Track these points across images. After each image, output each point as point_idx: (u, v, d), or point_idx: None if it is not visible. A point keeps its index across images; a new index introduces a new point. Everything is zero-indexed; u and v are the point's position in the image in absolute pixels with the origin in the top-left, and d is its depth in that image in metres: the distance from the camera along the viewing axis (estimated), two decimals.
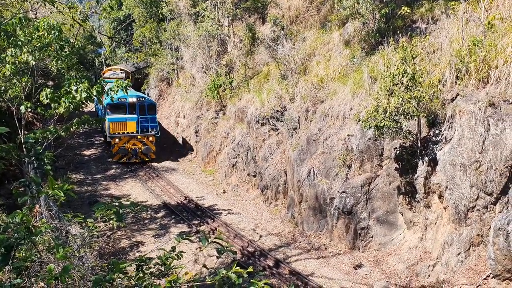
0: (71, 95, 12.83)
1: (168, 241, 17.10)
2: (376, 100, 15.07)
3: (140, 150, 27.87)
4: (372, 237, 16.53)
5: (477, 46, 14.29)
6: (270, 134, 22.29)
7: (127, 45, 46.98)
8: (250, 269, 4.18)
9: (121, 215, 4.33)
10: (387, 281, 14.39)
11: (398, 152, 16.07)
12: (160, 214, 20.27)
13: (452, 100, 14.65)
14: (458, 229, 13.62)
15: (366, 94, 17.84)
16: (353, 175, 17.28)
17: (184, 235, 5.13)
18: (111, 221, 4.30)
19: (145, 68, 42.13)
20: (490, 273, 12.63)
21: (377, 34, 19.49)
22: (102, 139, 34.83)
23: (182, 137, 32.05)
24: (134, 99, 27.83)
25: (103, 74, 38.83)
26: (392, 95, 14.36)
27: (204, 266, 4.80)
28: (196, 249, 16.36)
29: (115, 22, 46.53)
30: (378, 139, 16.46)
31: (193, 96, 29.93)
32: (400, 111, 14.24)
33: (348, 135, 17.67)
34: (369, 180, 16.88)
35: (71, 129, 15.04)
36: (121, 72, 38.22)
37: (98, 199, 21.55)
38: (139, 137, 27.91)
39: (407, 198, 15.74)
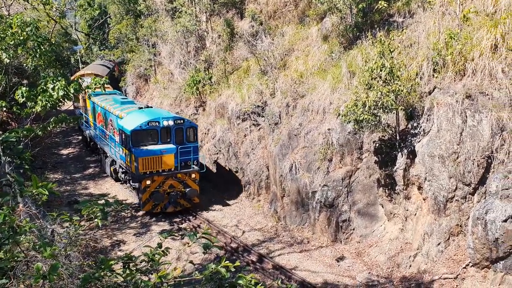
0: (48, 93, 12.60)
1: (150, 239, 16.97)
2: (355, 95, 15.21)
3: (180, 194, 19.60)
4: (353, 229, 16.71)
5: (454, 39, 14.54)
6: (252, 129, 22.30)
7: (103, 42, 46.29)
8: (238, 263, 4.18)
9: (105, 213, 4.29)
10: (369, 273, 14.59)
11: (377, 145, 16.26)
12: (140, 213, 20.08)
13: (430, 93, 14.88)
14: (438, 220, 13.87)
15: (345, 89, 17.99)
16: (334, 168, 17.42)
17: (169, 232, 5.10)
18: (96, 220, 4.26)
19: (121, 64, 41.58)
20: (470, 262, 12.92)
21: (355, 29, 19.63)
22: (80, 137, 34.17)
23: None
24: (170, 122, 19.51)
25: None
26: (371, 89, 14.52)
27: (191, 262, 4.77)
28: (184, 245, 16.32)
29: (91, 20, 45.80)
30: (357, 133, 16.62)
31: (172, 92, 29.67)
32: (378, 104, 14.40)
33: (329, 129, 17.80)
34: (349, 173, 17.05)
35: (48, 128, 14.77)
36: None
37: (77, 199, 21.24)
38: (178, 175, 19.65)
39: (387, 190, 15.95)
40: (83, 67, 45.64)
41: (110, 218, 19.29)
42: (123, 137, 19.82)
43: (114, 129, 22.07)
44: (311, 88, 19.80)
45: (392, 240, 15.40)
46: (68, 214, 4.62)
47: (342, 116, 15.30)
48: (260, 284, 3.92)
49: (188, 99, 27.58)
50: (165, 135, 19.63)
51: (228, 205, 21.53)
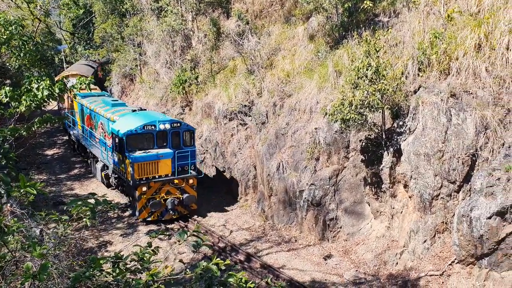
0: (32, 93, 12.44)
1: (137, 240, 16.88)
2: (341, 94, 15.30)
3: (178, 201, 18.83)
4: (340, 227, 16.81)
5: (438, 38, 14.71)
6: (239, 129, 22.29)
7: (88, 41, 45.83)
8: (228, 261, 4.18)
9: (95, 212, 4.25)
10: (356, 270, 14.69)
11: (363, 144, 16.38)
12: (127, 213, 19.96)
13: (415, 92, 15.03)
14: (424, 217, 14.02)
15: (332, 88, 18.08)
16: (321, 167, 17.49)
17: (158, 232, 5.08)
18: (85, 219, 4.22)
19: (106, 64, 41.21)
20: (455, 259, 13.09)
21: (341, 28, 19.75)
22: (66, 137, 33.77)
23: None
24: (167, 125, 18.63)
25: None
26: (357, 88, 14.61)
27: (180, 261, 4.75)
28: (172, 245, 16.26)
29: (76, 19, 45.30)
30: (344, 132, 16.72)
31: (158, 92, 29.52)
32: (365, 103, 14.51)
33: (316, 129, 17.87)
34: (336, 172, 17.14)
35: (33, 129, 14.59)
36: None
37: (63, 200, 21.02)
38: (175, 181, 18.85)
39: (373, 189, 16.08)
40: (67, 67, 45.15)
41: (96, 219, 19.13)
42: (117, 141, 18.84)
43: (105, 132, 21.32)
44: (298, 87, 19.86)
45: (378, 238, 15.53)
46: (57, 214, 4.57)
47: (329, 116, 15.37)
48: (250, 282, 3.93)
49: (174, 98, 27.47)
50: (161, 139, 18.78)
51: (225, 209, 21.49)
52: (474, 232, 12.04)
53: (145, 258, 4.12)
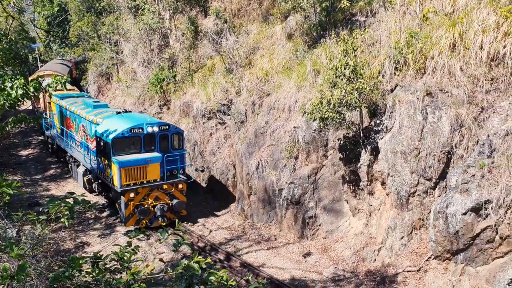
0: (6, 92, 12.16)
1: (115, 240, 16.69)
2: (320, 93, 15.41)
3: (167, 207, 18.00)
4: (319, 225, 16.93)
5: (414, 38, 14.94)
6: (217, 128, 22.24)
7: (64, 40, 45.03)
8: (209, 259, 4.17)
9: (73, 212, 4.19)
10: (335, 267, 14.82)
11: (342, 142, 16.52)
12: (105, 214, 19.71)
13: (392, 90, 15.24)
14: (401, 214, 14.23)
15: (310, 87, 18.19)
16: (300, 166, 17.59)
17: (138, 231, 5.03)
18: (63, 219, 4.15)
19: (82, 63, 40.58)
20: (432, 255, 13.33)
21: (319, 28, 19.88)
22: (41, 137, 33.10)
23: None
24: (155, 128, 17.85)
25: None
26: (335, 87, 14.74)
27: (161, 260, 4.72)
28: (151, 245, 16.12)
29: (51, 17, 44.46)
30: (322, 131, 16.84)
31: (135, 91, 29.21)
32: (343, 102, 14.64)
33: (294, 127, 17.95)
34: (315, 170, 17.25)
35: (7, 129, 14.29)
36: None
37: (38, 201, 20.62)
38: (164, 186, 18.03)
39: (351, 186, 16.24)
40: (42, 66, 44.29)
41: (74, 219, 18.85)
42: (102, 145, 18.04)
43: (87, 135, 20.68)
44: (277, 86, 19.92)
45: (357, 235, 15.70)
46: (34, 214, 4.48)
47: (307, 114, 15.46)
48: (231, 280, 3.93)
49: (152, 97, 27.23)
50: (149, 143, 17.92)
51: (216, 214, 21.39)
52: (450, 228, 12.28)
53: (125, 258, 4.09)
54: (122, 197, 17.35)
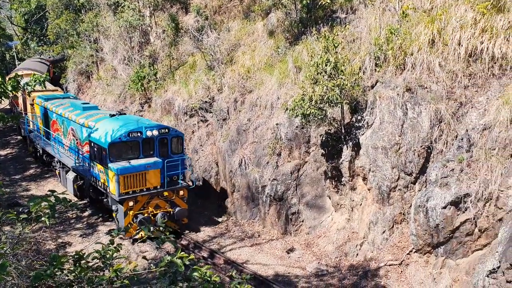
0: None
1: (97, 239, 16.50)
2: (301, 89, 15.48)
3: (168, 215, 16.92)
4: (302, 221, 17.03)
5: (394, 34, 15.10)
6: (200, 125, 22.16)
7: (42, 37, 44.28)
8: (192, 256, 4.17)
9: (54, 210, 4.14)
10: (318, 263, 14.94)
11: (324, 138, 16.63)
12: (86, 213, 19.49)
13: (372, 86, 15.39)
14: (382, 209, 14.41)
15: (292, 84, 18.25)
16: (283, 162, 17.65)
17: (120, 229, 4.99)
18: (44, 218, 4.09)
19: (60, 61, 39.95)
20: (413, 248, 13.53)
21: (300, 24, 19.95)
22: (19, 137, 32.51)
23: None
24: (155, 132, 16.79)
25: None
26: (317, 83, 14.81)
27: (144, 257, 4.70)
28: (133, 243, 16.00)
29: (28, 14, 43.67)
30: (305, 127, 16.93)
31: (116, 89, 28.89)
32: (324, 99, 14.73)
33: (277, 124, 18.00)
34: (298, 167, 17.33)
35: None
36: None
37: (18, 201, 20.29)
38: (165, 193, 16.99)
39: (333, 182, 16.36)
40: (19, 63, 43.50)
41: (55, 218, 18.60)
42: (96, 150, 16.89)
43: (77, 139, 19.74)
44: (259, 83, 19.93)
45: (339, 230, 15.84)
46: (15, 213, 4.41)
47: (289, 111, 15.51)
48: (215, 276, 3.94)
49: (133, 95, 26.98)
50: (147, 147, 16.81)
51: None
52: (430, 221, 12.48)
53: (107, 256, 4.06)
54: (120, 205, 16.27)
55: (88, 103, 22.92)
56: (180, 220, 17.28)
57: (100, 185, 17.27)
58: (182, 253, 4.08)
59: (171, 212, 17.01)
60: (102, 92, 31.25)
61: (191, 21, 25.33)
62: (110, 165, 16.07)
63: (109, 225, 18.41)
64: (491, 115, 12.30)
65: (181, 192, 17.37)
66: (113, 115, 18.53)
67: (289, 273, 14.65)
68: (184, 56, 25.45)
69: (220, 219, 19.49)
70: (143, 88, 25.29)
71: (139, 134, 16.53)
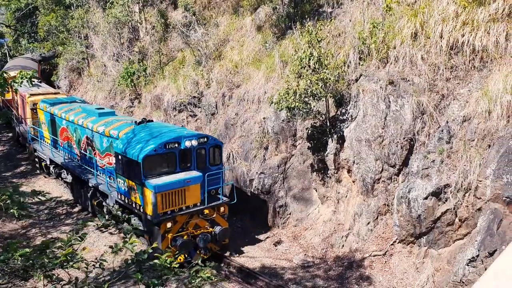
0: None
1: (86, 236, 16.62)
2: (286, 83, 15.63)
3: (210, 236, 14.79)
4: (290, 214, 17.22)
5: (377, 28, 15.25)
6: (189, 120, 22.28)
7: (32, 34, 44.13)
8: (155, 244, 4.32)
9: (21, 203, 4.27)
10: (305, 254, 15.15)
11: (309, 131, 16.80)
12: (76, 209, 19.61)
13: (356, 80, 15.56)
14: (367, 200, 14.62)
15: (279, 78, 18.40)
16: (270, 156, 17.82)
17: (87, 220, 5.15)
18: (13, 210, 4.23)
19: (51, 58, 39.86)
20: (396, 239, 13.76)
21: (287, 19, 20.07)
22: (10, 134, 32.43)
23: None
24: (194, 142, 14.81)
25: None
26: (301, 77, 14.96)
27: (111, 247, 4.83)
28: (123, 239, 16.15)
29: (18, 12, 43.48)
30: (291, 121, 17.10)
31: (106, 85, 28.94)
32: (309, 92, 14.89)
33: (264, 118, 18.16)
34: (284, 160, 17.51)
35: None
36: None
37: None
38: (205, 211, 14.92)
39: (320, 175, 16.55)
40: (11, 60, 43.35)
41: (44, 216, 18.72)
42: (125, 164, 14.78)
43: (94, 150, 17.79)
44: (246, 78, 20.07)
45: (325, 222, 16.04)
46: None
47: (274, 104, 15.67)
48: (175, 262, 4.10)
49: (122, 91, 27.06)
50: (184, 159, 14.81)
51: None
52: (412, 212, 12.70)
53: (72, 245, 4.21)
54: (156, 227, 14.16)
55: (103, 108, 20.78)
56: (221, 241, 15.15)
57: (129, 203, 15.09)
58: (133, 239, 4.23)
59: (213, 233, 14.93)
60: (93, 88, 31.28)
61: (179, 16, 25.39)
62: (145, 181, 14.03)
63: (97, 221, 18.52)
64: (470, 107, 12.50)
65: (222, 209, 15.37)
66: (140, 123, 16.44)
67: (276, 265, 14.85)
68: (173, 51, 25.54)
69: None
70: (132, 84, 25.37)
71: (176, 145, 14.53)
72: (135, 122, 16.61)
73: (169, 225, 14.14)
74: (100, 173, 17.41)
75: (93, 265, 4.02)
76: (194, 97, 21.88)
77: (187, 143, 14.65)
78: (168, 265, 3.97)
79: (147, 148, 14.20)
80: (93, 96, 29.78)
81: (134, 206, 14.84)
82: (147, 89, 25.03)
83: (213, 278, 4.10)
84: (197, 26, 22.72)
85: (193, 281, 4.07)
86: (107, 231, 17.31)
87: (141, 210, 14.46)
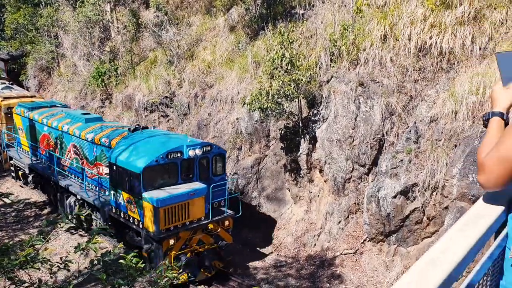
0: None
1: (56, 238, 16.32)
2: (259, 84, 15.70)
3: (215, 253, 13.82)
4: (263, 214, 17.28)
5: (347, 30, 15.46)
6: (160, 120, 22.12)
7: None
8: (121, 245, 4.30)
9: None
10: (277, 254, 15.25)
11: (282, 132, 16.91)
12: (46, 211, 19.21)
13: (328, 81, 15.74)
14: (338, 200, 14.81)
15: (252, 79, 18.47)
16: (244, 156, 17.86)
17: (55, 219, 5.08)
18: None
19: (20, 57, 38.95)
20: (367, 237, 13.98)
21: (259, 20, 20.14)
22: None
23: None
24: (197, 151, 13.55)
25: None
26: (274, 78, 15.05)
27: (76, 247, 4.77)
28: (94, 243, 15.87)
29: None
30: (264, 121, 17.17)
31: (76, 85, 28.45)
32: (281, 93, 14.99)
33: (237, 119, 18.18)
34: (258, 161, 17.58)
35: None
36: None
37: None
38: (210, 226, 13.72)
39: (292, 175, 16.68)
40: None
41: (11, 219, 18.28)
42: (122, 175, 13.58)
43: (82, 159, 16.51)
44: (219, 78, 20.05)
45: (298, 221, 16.17)
46: None
47: (247, 105, 15.73)
48: (141, 262, 4.08)
49: (93, 91, 26.65)
50: (186, 170, 13.67)
51: None
52: (382, 211, 12.93)
53: (35, 246, 4.15)
54: (156, 244, 13.00)
55: (89, 113, 19.48)
56: (226, 257, 14.20)
57: (126, 218, 13.93)
58: (97, 239, 4.21)
59: (217, 248, 13.91)
60: (63, 88, 30.69)
61: (151, 16, 25.18)
62: (145, 195, 12.82)
63: (68, 223, 18.18)
64: (437, 108, 12.81)
65: (226, 223, 14.19)
66: (135, 130, 15.30)
67: (248, 265, 14.88)
68: (145, 51, 25.31)
69: None
70: (103, 84, 25.03)
71: (179, 155, 13.33)
72: (129, 129, 15.59)
73: (171, 242, 12.89)
74: (89, 184, 16.24)
75: (58, 266, 3.97)
76: (166, 97, 21.74)
77: (191, 153, 13.42)
78: (134, 265, 3.96)
79: (147, 158, 13.05)
80: (63, 96, 29.23)
81: (131, 221, 13.64)
82: (118, 89, 24.72)
83: (180, 278, 4.10)
84: (169, 26, 22.57)
85: (159, 281, 4.07)
86: (77, 233, 17.07)
87: (140, 226, 13.27)
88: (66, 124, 17.38)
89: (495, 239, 2.21)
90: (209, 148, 14.07)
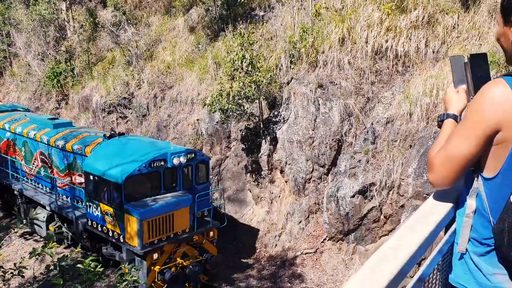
0: None
1: (9, 244, 15.73)
2: (220, 85, 15.69)
3: (199, 266, 12.72)
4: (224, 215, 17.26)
5: (307, 33, 15.68)
6: (119, 122, 21.71)
7: None
8: (78, 249, 4.21)
9: None
10: (238, 256, 15.24)
11: (244, 133, 16.96)
12: None
13: (288, 83, 15.92)
14: (298, 200, 14.99)
15: (212, 80, 18.41)
16: None
17: (6, 225, 4.91)
18: None
19: None
20: (326, 236, 14.22)
21: (219, 21, 20.12)
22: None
23: None
24: (182, 159, 12.87)
25: None
26: (234, 79, 15.08)
27: (30, 253, 4.62)
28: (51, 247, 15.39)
29: None
30: (225, 122, 17.16)
31: (30, 85, 27.50)
32: (242, 94, 15.04)
33: (197, 120, 18.09)
34: (219, 162, 17.55)
35: None
36: None
37: None
38: (195, 238, 13.02)
39: (254, 176, 16.75)
40: None
41: None
42: (101, 186, 12.68)
43: (51, 168, 15.49)
44: (179, 79, 19.89)
45: (259, 222, 16.25)
46: None
47: (208, 106, 15.68)
48: (99, 266, 4.02)
49: (49, 92, 25.85)
50: (169, 179, 12.94)
51: None
52: (341, 210, 13.19)
53: None
54: (141, 260, 12.04)
55: (58, 118, 18.42)
56: (211, 270, 13.47)
57: (104, 231, 12.90)
58: (53, 243, 4.12)
59: (203, 261, 13.05)
60: (16, 89, 29.60)
61: (108, 15, 24.68)
62: (127, 207, 11.98)
63: (24, 228, 17.57)
64: (393, 109, 13.20)
65: (211, 234, 13.53)
66: (111, 136, 14.23)
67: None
68: (102, 51, 24.78)
69: None
70: (59, 84, 24.31)
71: (162, 163, 12.56)
72: (104, 135, 14.55)
73: (155, 256, 12.08)
74: (60, 195, 15.21)
75: (12, 273, 3.84)
76: (124, 98, 21.36)
77: (175, 161, 12.69)
78: (93, 270, 3.89)
79: (128, 167, 12.17)
80: (16, 97, 28.20)
81: (111, 235, 12.69)
82: (74, 89, 24.09)
83: (139, 281, 4.06)
84: (127, 25, 22.20)
85: (118, 285, 4.01)
86: (31, 238, 16.53)
87: (121, 240, 12.30)
88: (32, 130, 16.23)
89: (445, 234, 2.32)
90: (193, 155, 13.41)
